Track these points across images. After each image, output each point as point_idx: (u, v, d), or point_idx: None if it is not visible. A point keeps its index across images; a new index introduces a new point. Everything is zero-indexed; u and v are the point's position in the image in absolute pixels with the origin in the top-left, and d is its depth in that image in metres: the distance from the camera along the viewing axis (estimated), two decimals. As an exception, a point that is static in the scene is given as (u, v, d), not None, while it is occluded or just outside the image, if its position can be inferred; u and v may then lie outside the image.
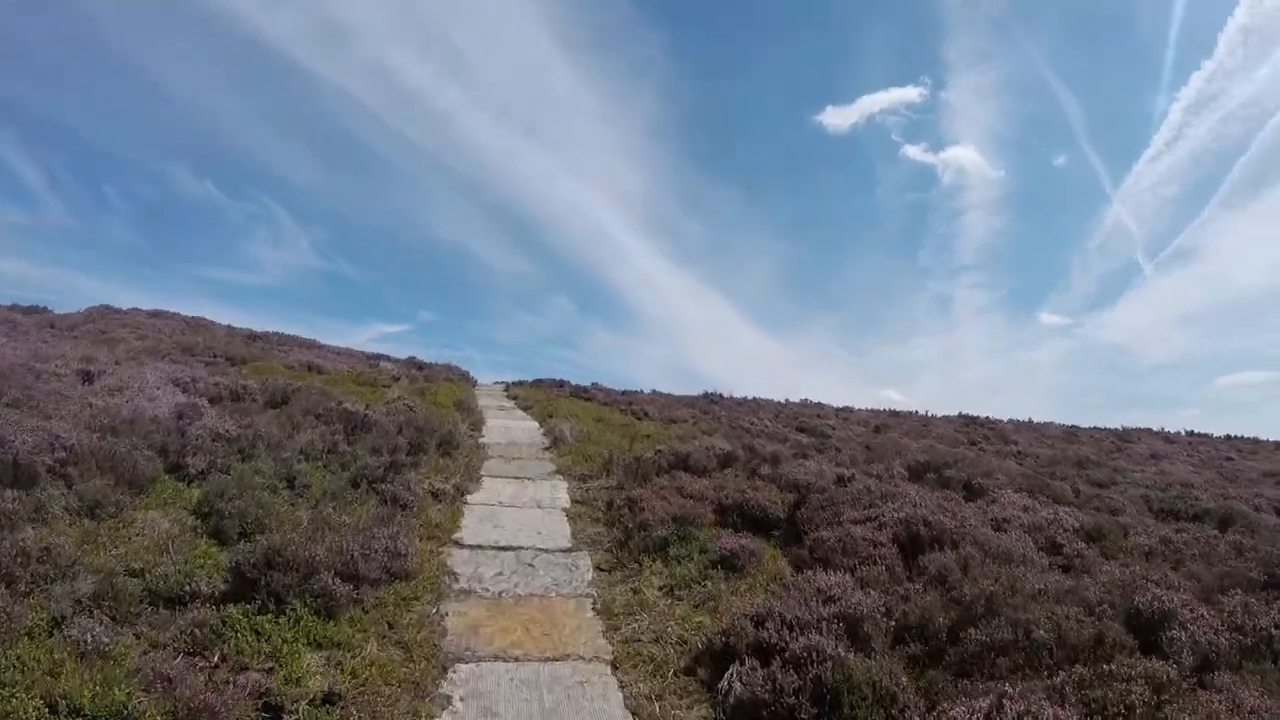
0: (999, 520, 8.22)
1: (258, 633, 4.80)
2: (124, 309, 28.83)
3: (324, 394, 11.62)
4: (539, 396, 21.67)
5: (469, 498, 8.65)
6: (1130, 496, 12.49)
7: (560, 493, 9.24)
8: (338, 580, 5.40)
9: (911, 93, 58.45)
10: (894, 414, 29.72)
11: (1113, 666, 4.27)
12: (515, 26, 56.93)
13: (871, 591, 5.24)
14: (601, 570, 6.55)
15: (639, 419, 17.35)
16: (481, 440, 12.88)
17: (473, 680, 4.62)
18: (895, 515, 6.99)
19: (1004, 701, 3.69)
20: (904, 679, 4.22)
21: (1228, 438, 32.42)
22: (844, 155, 65.13)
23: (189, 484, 7.70)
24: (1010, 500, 8.89)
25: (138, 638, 4.67)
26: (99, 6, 50.04)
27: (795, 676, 4.12)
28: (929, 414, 31.32)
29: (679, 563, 6.47)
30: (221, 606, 5.09)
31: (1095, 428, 31.30)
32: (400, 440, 9.47)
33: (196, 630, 4.76)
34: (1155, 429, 32.55)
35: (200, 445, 8.21)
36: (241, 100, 57.51)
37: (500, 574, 6.29)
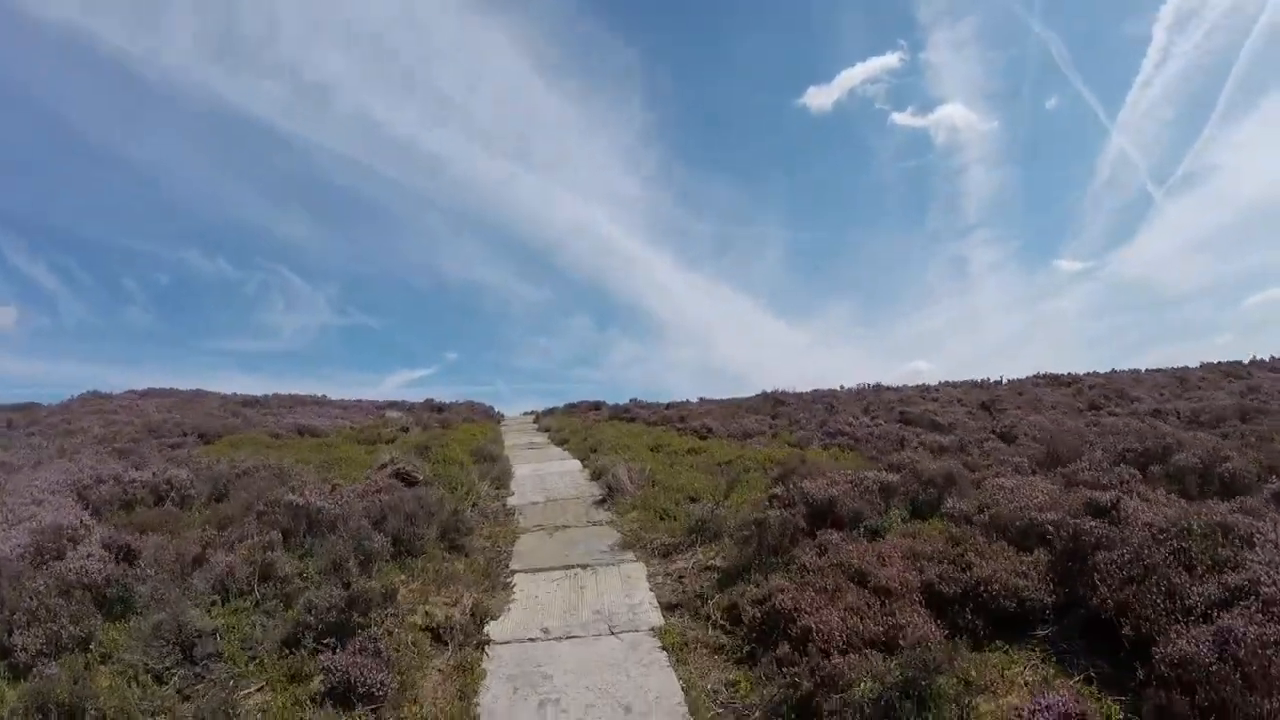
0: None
1: None
2: (116, 393, 26.38)
3: (280, 477, 8.24)
4: (574, 425, 18.32)
5: (492, 629, 5.19)
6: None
7: (639, 590, 5.73)
8: None
9: (890, 59, 54.97)
10: (977, 385, 25.94)
11: None
12: (492, 59, 55.06)
13: None
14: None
15: (703, 438, 13.83)
16: (509, 501, 9.47)
17: None
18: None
19: None
20: None
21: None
22: (833, 133, 61.95)
23: (15, 678, 4.44)
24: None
25: None
26: (66, 103, 48.48)
27: None
28: (1006, 380, 27.61)
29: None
30: None
31: (1183, 368, 27.52)
32: (377, 541, 6.04)
33: None
34: (1244, 360, 28.72)
35: (39, 609, 4.85)
36: (236, 176, 56.29)
37: None
